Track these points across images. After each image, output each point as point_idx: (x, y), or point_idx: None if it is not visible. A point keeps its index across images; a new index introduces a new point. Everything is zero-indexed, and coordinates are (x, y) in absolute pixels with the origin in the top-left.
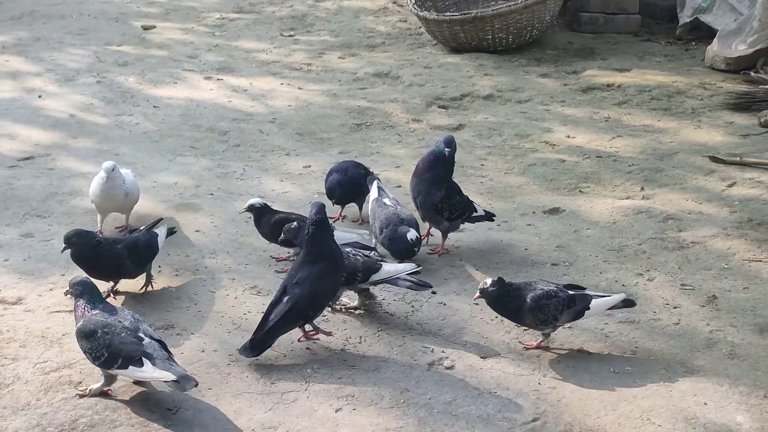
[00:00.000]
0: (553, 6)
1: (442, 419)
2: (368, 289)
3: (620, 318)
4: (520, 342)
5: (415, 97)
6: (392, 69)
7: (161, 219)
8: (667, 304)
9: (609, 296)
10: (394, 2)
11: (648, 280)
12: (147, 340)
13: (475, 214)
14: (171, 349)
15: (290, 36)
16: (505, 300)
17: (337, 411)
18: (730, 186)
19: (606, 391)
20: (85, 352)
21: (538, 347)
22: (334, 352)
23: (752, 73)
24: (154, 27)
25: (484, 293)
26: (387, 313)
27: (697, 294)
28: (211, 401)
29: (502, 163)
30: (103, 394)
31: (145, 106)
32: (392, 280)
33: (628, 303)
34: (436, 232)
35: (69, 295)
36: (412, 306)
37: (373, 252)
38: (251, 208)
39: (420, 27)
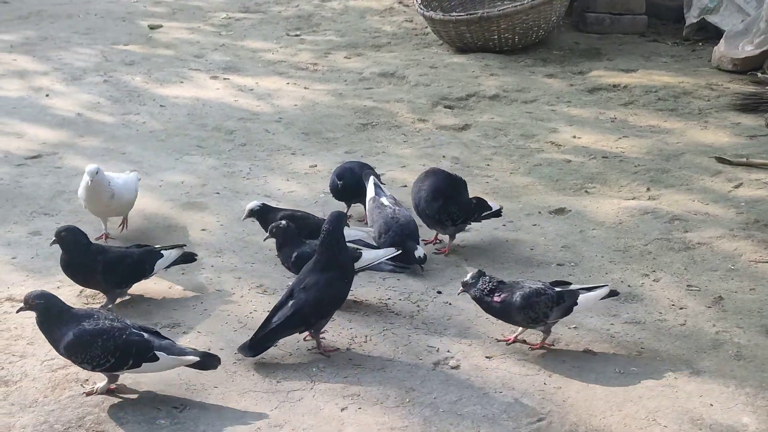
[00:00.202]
0: (560, 6)
1: (448, 419)
2: None
3: (626, 318)
4: (525, 342)
5: (421, 97)
6: (398, 69)
7: (183, 245)
8: (673, 304)
9: (594, 290)
10: (400, 2)
11: (654, 280)
12: (145, 334)
13: (485, 213)
14: None
15: (296, 36)
16: (487, 297)
17: (342, 410)
18: (736, 187)
19: (612, 392)
20: (81, 363)
21: (542, 346)
22: (339, 351)
23: (759, 74)
24: (161, 26)
25: (465, 286)
26: (392, 313)
27: (704, 295)
28: (217, 399)
29: (508, 163)
30: (109, 391)
31: (151, 105)
32: (375, 266)
33: (613, 293)
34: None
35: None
36: (418, 306)
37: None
38: (252, 213)
39: (426, 27)
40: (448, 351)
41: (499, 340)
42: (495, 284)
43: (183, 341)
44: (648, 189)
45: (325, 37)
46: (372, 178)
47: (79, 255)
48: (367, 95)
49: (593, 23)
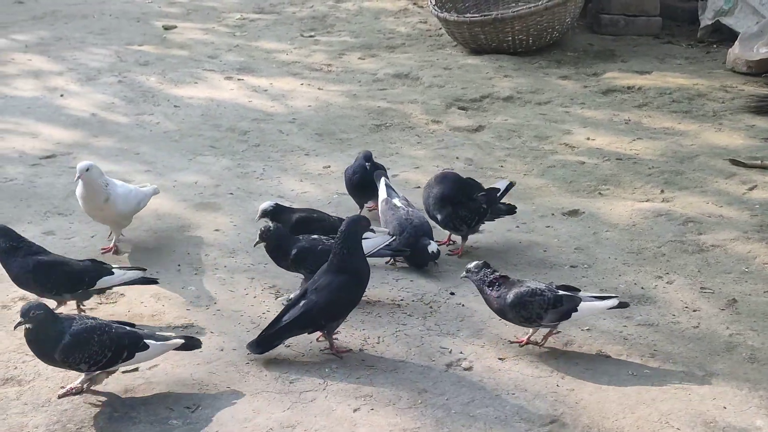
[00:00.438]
0: (574, 8)
1: (460, 420)
2: None
3: (639, 321)
4: (537, 344)
5: (435, 99)
6: (412, 70)
7: (144, 269)
8: (686, 307)
9: (602, 300)
10: (414, 3)
11: (667, 283)
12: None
13: (499, 203)
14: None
15: (310, 37)
16: (486, 287)
17: (355, 411)
18: (750, 189)
19: (624, 394)
20: (79, 364)
21: (544, 342)
22: (352, 352)
23: None
24: (175, 27)
25: (468, 272)
26: (405, 314)
27: (717, 297)
28: (230, 400)
29: (522, 165)
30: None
31: (165, 105)
32: (375, 254)
33: (622, 305)
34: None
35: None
36: (431, 307)
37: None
38: (265, 214)
39: (440, 28)
40: (461, 352)
41: (512, 342)
42: (496, 277)
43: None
44: (662, 191)
45: (340, 38)
46: (383, 179)
47: (13, 250)
48: (381, 96)
49: (607, 25)
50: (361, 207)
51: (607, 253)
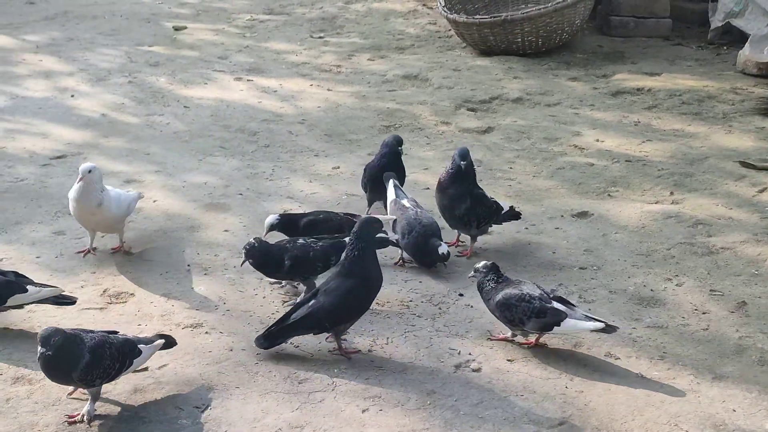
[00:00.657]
0: (584, 10)
1: (469, 421)
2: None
3: (648, 323)
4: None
5: (444, 100)
6: (421, 71)
7: (60, 289)
8: (695, 309)
9: (589, 321)
10: (424, 5)
11: (677, 285)
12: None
13: (503, 212)
14: (200, 348)
15: (320, 38)
16: (484, 286)
17: (363, 411)
18: (760, 192)
19: (633, 396)
20: (94, 380)
21: (537, 343)
22: (360, 353)
23: None
24: (185, 28)
25: (475, 271)
26: (414, 315)
27: (727, 300)
28: (239, 400)
29: (531, 167)
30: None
31: (175, 106)
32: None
33: (608, 329)
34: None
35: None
36: (439, 308)
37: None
38: (273, 228)
39: (449, 30)
40: (470, 354)
41: (522, 344)
42: (498, 279)
43: (205, 341)
44: (671, 193)
45: (349, 39)
46: (392, 180)
47: None
48: (390, 97)
49: (617, 26)
50: (370, 204)
51: (616, 255)
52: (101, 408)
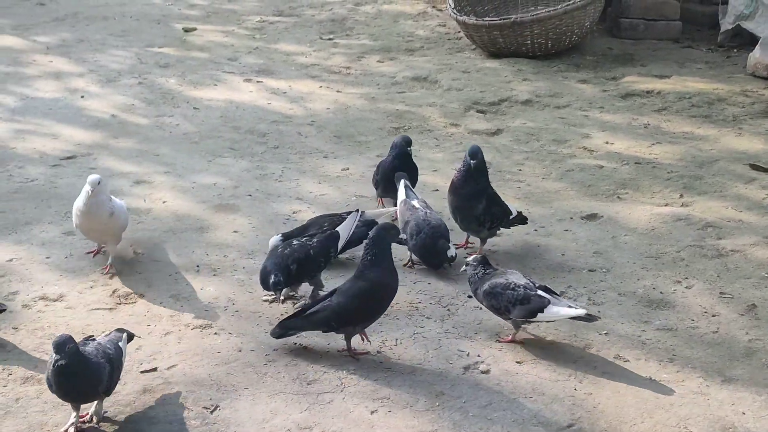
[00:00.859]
0: (593, 12)
1: (477, 423)
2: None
3: (658, 325)
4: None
5: (453, 102)
6: (431, 73)
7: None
8: (705, 312)
9: (571, 307)
10: (433, 7)
11: (686, 287)
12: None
13: (511, 217)
14: (209, 349)
15: (329, 39)
16: (472, 279)
17: (372, 413)
18: None
19: (643, 399)
20: (108, 391)
21: (512, 341)
22: (369, 354)
23: None
24: (195, 29)
25: (467, 265)
26: (423, 317)
27: (736, 302)
28: (248, 400)
29: (540, 169)
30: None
31: (185, 107)
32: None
33: (589, 318)
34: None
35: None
36: (448, 309)
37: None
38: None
39: (459, 31)
40: (479, 355)
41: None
42: (485, 270)
43: (214, 342)
44: (681, 195)
45: (358, 40)
46: (403, 181)
47: None
48: (399, 99)
49: (627, 29)
50: (380, 200)
51: (625, 257)
52: (110, 408)
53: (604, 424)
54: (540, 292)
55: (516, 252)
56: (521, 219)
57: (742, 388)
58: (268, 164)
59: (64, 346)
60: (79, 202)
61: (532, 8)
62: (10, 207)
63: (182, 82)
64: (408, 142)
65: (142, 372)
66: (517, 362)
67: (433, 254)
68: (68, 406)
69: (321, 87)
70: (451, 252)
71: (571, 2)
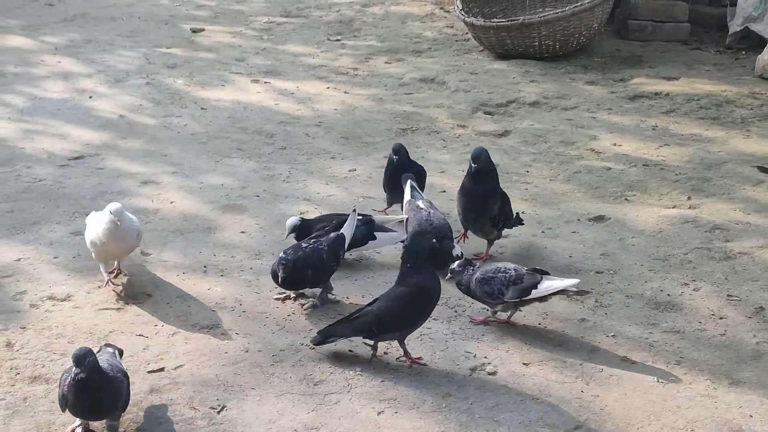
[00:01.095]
0: (601, 13)
1: (484, 424)
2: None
3: (665, 328)
4: (470, 317)
5: (461, 103)
6: (438, 74)
7: None
8: (713, 314)
9: (564, 281)
10: (441, 8)
11: (694, 290)
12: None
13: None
14: (216, 349)
15: (337, 41)
16: (461, 282)
17: (379, 414)
18: None
19: (650, 401)
20: (121, 408)
21: (485, 321)
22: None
23: None
24: (203, 30)
25: (452, 273)
26: (430, 318)
27: (744, 305)
28: (255, 401)
29: (548, 170)
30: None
31: (192, 107)
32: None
33: (581, 292)
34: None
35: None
36: (455, 311)
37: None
38: (294, 229)
39: (466, 33)
40: (485, 357)
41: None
42: (472, 268)
43: (221, 342)
44: (689, 198)
45: (366, 42)
46: (409, 181)
47: None
48: (406, 100)
49: (635, 30)
50: (390, 204)
51: (633, 259)
52: None
53: (611, 426)
54: (531, 272)
55: (523, 253)
56: (518, 220)
57: (749, 390)
58: (276, 165)
59: (84, 359)
60: (103, 230)
61: (540, 10)
62: (18, 207)
63: (190, 82)
64: (394, 150)
65: (149, 372)
66: (524, 364)
67: (438, 254)
68: None
69: (328, 88)
70: (457, 251)
71: (579, 4)
